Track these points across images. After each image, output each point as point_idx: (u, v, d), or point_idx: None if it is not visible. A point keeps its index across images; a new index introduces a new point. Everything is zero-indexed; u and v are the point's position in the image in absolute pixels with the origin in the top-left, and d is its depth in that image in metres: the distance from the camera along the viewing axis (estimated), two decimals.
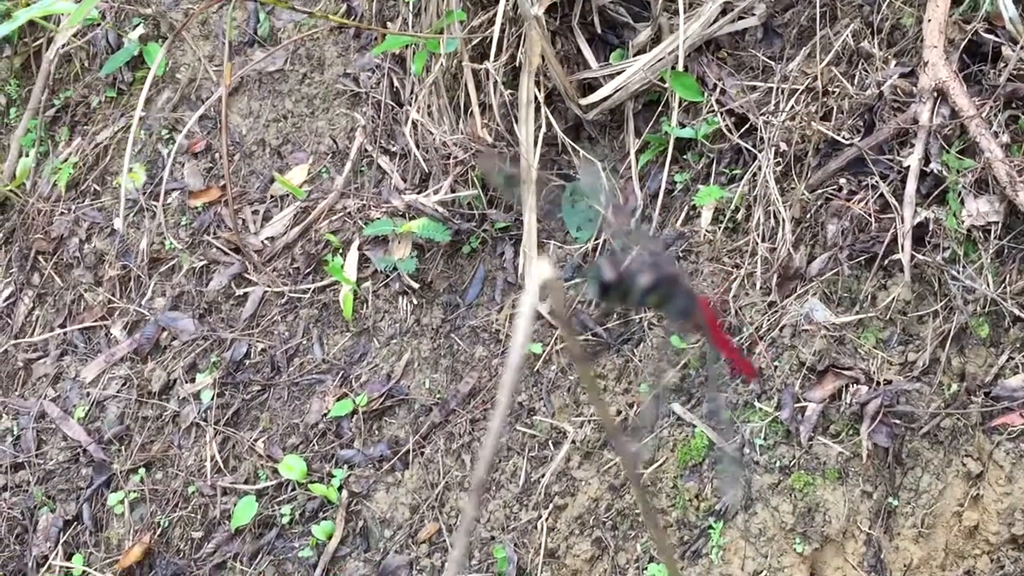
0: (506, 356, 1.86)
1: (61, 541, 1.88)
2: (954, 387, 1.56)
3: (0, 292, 2.10)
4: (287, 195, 2.07)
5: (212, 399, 1.95)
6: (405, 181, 1.98)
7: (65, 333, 2.06)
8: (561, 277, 1.87)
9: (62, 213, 2.13)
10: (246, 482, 1.87)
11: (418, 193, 1.94)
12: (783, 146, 1.70)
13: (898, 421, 1.56)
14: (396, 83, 2.04)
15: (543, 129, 1.86)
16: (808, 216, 1.67)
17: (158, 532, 1.86)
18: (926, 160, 1.61)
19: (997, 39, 1.62)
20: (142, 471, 1.92)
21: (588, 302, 0.50)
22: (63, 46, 2.17)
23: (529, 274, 0.39)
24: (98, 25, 2.20)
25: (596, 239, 1.84)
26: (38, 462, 1.97)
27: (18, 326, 2.09)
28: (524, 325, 0.37)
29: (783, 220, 1.67)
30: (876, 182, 1.63)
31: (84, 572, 1.85)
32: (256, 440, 1.91)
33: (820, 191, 1.67)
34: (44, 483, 1.94)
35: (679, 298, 0.44)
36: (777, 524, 1.58)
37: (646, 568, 1.64)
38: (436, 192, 1.91)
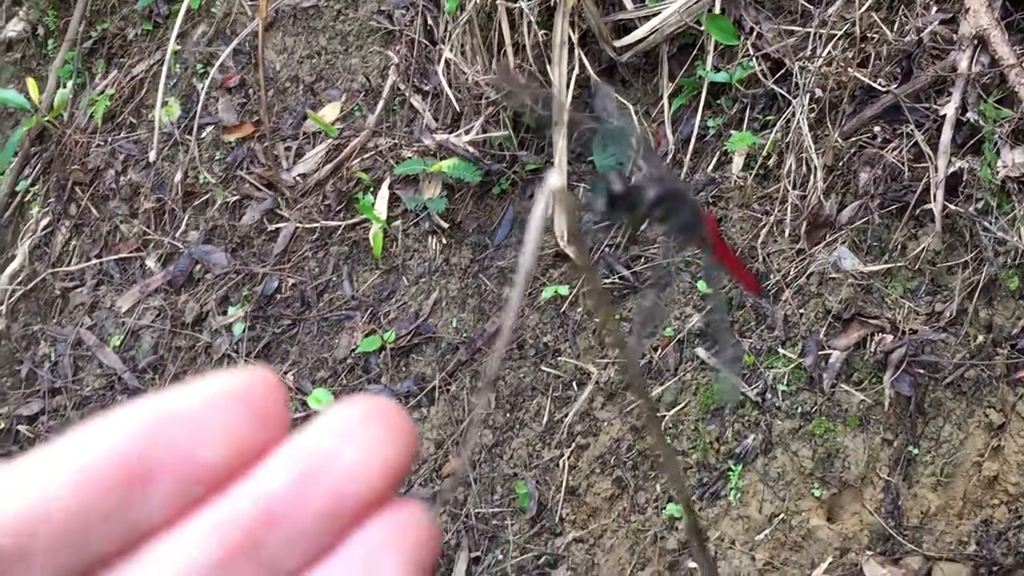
0: (533, 297, 1.88)
1: None
2: (980, 338, 1.56)
3: (39, 221, 2.14)
4: (319, 132, 2.08)
5: (243, 332, 1.99)
6: (437, 120, 1.98)
7: (101, 263, 2.10)
8: (591, 220, 1.88)
9: (98, 145, 2.16)
10: None
11: (449, 133, 1.94)
12: (818, 92, 1.68)
13: (922, 371, 1.57)
14: (430, 21, 2.03)
15: (576, 71, 1.85)
16: (840, 164, 1.66)
17: None
18: (963, 109, 1.59)
19: None
20: None
21: (595, 215, 0.51)
22: None
23: (543, 184, 0.41)
24: None
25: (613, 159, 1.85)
26: (75, 388, 2.02)
27: (56, 255, 2.14)
28: (535, 229, 0.39)
29: (815, 167, 1.66)
30: (911, 131, 1.61)
31: None
32: (286, 373, 1.95)
33: (854, 139, 1.66)
34: (80, 408, 2.00)
35: (684, 212, 0.45)
36: (796, 468, 1.60)
37: (665, 507, 1.67)
38: (467, 132, 1.91)
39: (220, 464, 0.28)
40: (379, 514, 0.29)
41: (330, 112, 2.09)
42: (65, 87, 2.16)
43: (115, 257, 2.09)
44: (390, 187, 1.99)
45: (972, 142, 1.59)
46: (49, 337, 2.08)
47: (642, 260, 1.83)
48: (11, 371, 2.09)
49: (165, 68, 1.59)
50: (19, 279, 2.12)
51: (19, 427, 2.03)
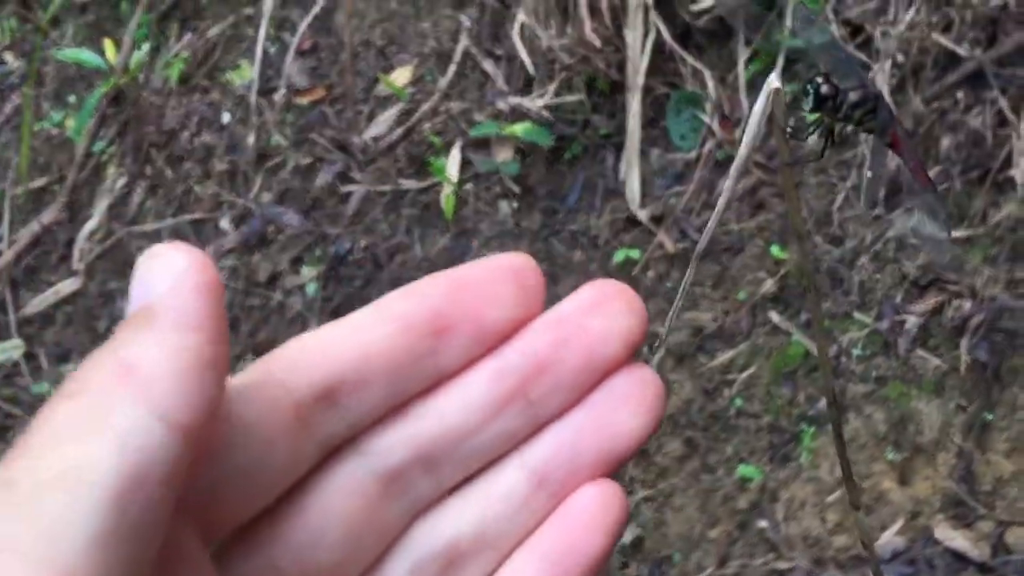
0: (604, 262, 1.90)
1: None
2: None
3: (115, 182, 2.19)
4: (391, 96, 2.10)
5: (316, 291, 2.03)
6: (509, 84, 2.00)
7: (176, 223, 2.14)
8: (663, 185, 1.89)
9: (173, 107, 2.20)
10: None
11: (522, 96, 1.96)
12: (899, 57, 1.68)
13: (1000, 337, 1.57)
14: None
15: (652, 35, 1.85)
16: (922, 129, 1.66)
17: None
18: None
19: None
20: (251, 357, 2.02)
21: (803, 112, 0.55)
22: None
23: (765, 84, 0.45)
24: None
25: (700, 148, 1.85)
26: None
27: (132, 215, 2.18)
28: (750, 134, 0.43)
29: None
30: (995, 97, 1.61)
31: None
32: None
33: (935, 104, 1.66)
34: None
35: (882, 113, 0.50)
36: (869, 432, 1.62)
37: (736, 468, 1.69)
38: (541, 96, 1.93)
39: (500, 325, 0.35)
40: (621, 373, 0.35)
41: (401, 76, 2.11)
42: (140, 49, 2.19)
43: (190, 217, 2.14)
44: (461, 150, 2.01)
45: None
46: (126, 295, 2.13)
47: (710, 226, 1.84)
48: (89, 327, 2.14)
49: (262, 31, 1.61)
50: (96, 238, 2.17)
51: None
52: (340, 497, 0.33)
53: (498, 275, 0.35)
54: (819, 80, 0.48)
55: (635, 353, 0.36)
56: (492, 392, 0.35)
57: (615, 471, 0.35)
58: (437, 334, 0.34)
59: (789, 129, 0.46)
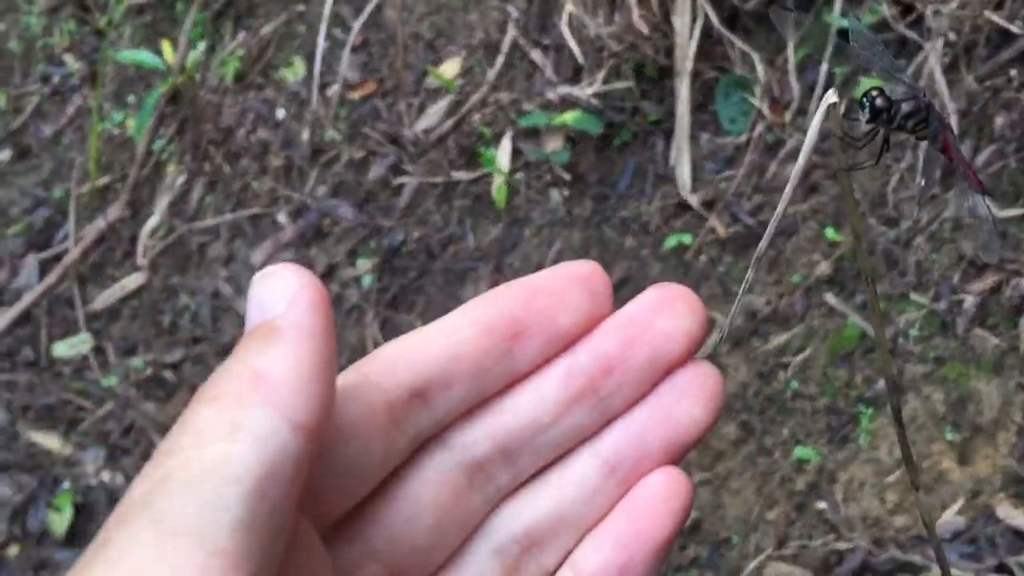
0: (656, 247, 1.91)
1: None
2: None
3: (175, 179, 2.25)
4: (440, 88, 2.13)
5: (372, 283, 2.07)
6: (557, 74, 2.02)
7: (235, 218, 2.20)
8: (713, 169, 1.90)
9: (229, 105, 2.25)
10: None
11: (571, 85, 1.97)
12: (951, 36, 1.67)
13: None
14: None
15: (700, 20, 1.86)
16: (975, 108, 1.65)
17: None
18: None
19: None
20: None
21: (854, 124, 0.57)
22: None
23: (820, 100, 0.48)
24: None
25: (750, 131, 1.86)
26: (214, 336, 2.14)
27: (192, 211, 2.24)
28: (809, 144, 0.46)
29: (949, 112, 1.65)
30: None
31: None
32: (414, 322, 2.03)
33: (989, 83, 1.65)
34: (221, 356, 2.11)
35: (933, 123, 0.52)
36: (928, 412, 1.62)
37: (792, 451, 1.70)
38: (590, 84, 1.94)
39: (571, 328, 0.38)
40: (683, 369, 0.38)
41: (450, 68, 2.14)
42: (196, 49, 2.25)
43: (248, 213, 2.19)
44: (512, 140, 2.03)
45: None
46: (188, 289, 2.20)
47: (765, 209, 1.84)
48: (154, 321, 2.21)
49: (323, 28, 1.65)
50: (159, 234, 2.23)
51: (164, 373, 2.16)
52: (429, 487, 0.37)
53: (569, 282, 0.38)
54: (874, 93, 0.51)
55: (696, 351, 0.39)
56: (564, 389, 0.38)
57: (680, 459, 0.38)
58: (515, 337, 0.37)
59: (846, 137, 0.49)
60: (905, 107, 0.52)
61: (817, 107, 0.49)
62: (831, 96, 0.47)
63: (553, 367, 0.38)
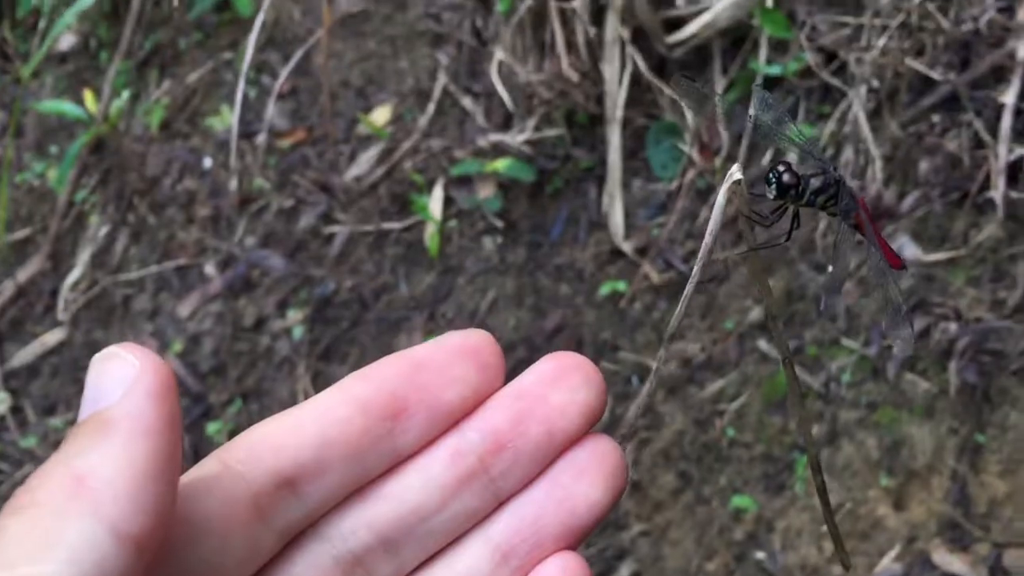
0: (590, 295, 1.89)
1: None
2: None
3: (98, 231, 2.18)
4: (372, 135, 2.10)
5: (303, 334, 2.02)
6: (488, 121, 2.00)
7: (160, 270, 2.14)
8: (646, 215, 1.89)
9: (155, 154, 2.20)
10: None
11: (502, 132, 1.96)
12: (874, 83, 1.69)
13: (987, 359, 1.57)
14: (478, 22, 2.06)
15: (628, 68, 1.86)
16: (900, 154, 1.66)
17: None
18: (1022, 96, 1.59)
19: None
20: (238, 402, 2.00)
21: (762, 202, 0.56)
22: None
23: (726, 176, 0.46)
24: None
25: (681, 178, 1.86)
26: None
27: (116, 263, 2.17)
28: (714, 223, 0.43)
29: (874, 158, 1.67)
30: (970, 119, 1.62)
31: None
32: (346, 374, 1.98)
33: (912, 128, 1.67)
34: None
35: (844, 198, 0.50)
36: (863, 458, 1.61)
37: (730, 499, 1.68)
38: (521, 132, 1.93)
39: (458, 403, 0.35)
40: (581, 446, 0.35)
41: (381, 115, 2.12)
42: (120, 98, 2.19)
43: (174, 264, 2.13)
44: (444, 188, 2.01)
45: None
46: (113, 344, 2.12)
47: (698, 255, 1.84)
48: (75, 378, 2.13)
49: (243, 78, 1.62)
50: (80, 288, 2.16)
51: None
52: None
53: (455, 354, 0.35)
54: (781, 168, 0.49)
55: (593, 425, 0.36)
56: (452, 471, 0.35)
57: (578, 543, 0.36)
58: (395, 416, 0.34)
59: (753, 216, 0.46)
60: (814, 182, 0.50)
61: (737, 169, 0.47)
62: (735, 173, 0.45)
63: (439, 447, 0.35)
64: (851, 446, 1.62)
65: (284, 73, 2.01)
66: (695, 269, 0.41)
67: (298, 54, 1.99)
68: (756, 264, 0.44)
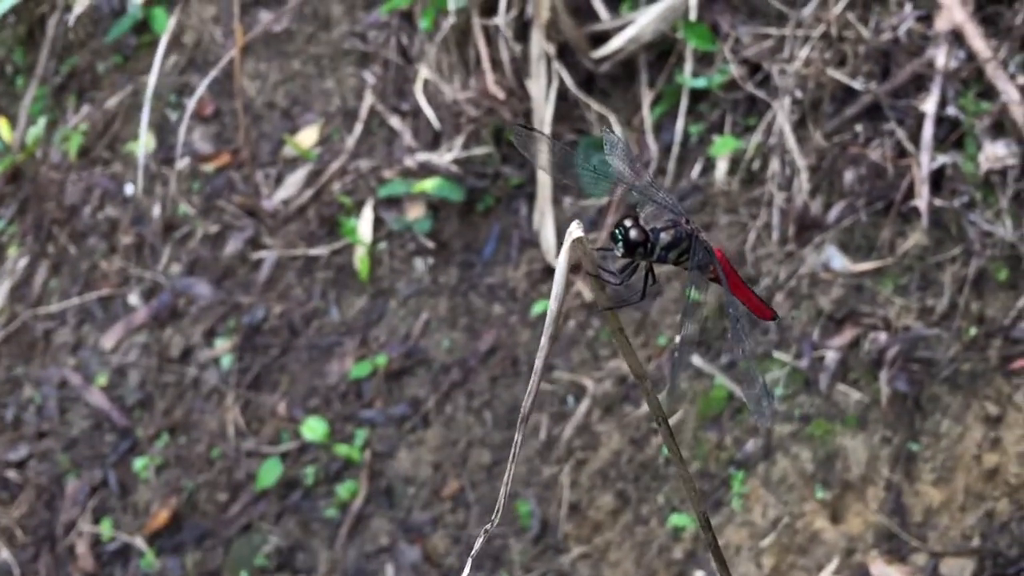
0: (524, 314, 1.86)
1: (89, 507, 1.91)
2: (973, 331, 1.56)
3: (16, 262, 2.10)
4: (299, 157, 2.06)
5: (232, 363, 1.96)
6: (417, 140, 1.97)
7: (82, 302, 2.07)
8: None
9: (74, 182, 2.13)
10: (269, 444, 1.89)
11: (431, 152, 1.93)
12: (798, 94, 1.69)
13: (917, 367, 1.57)
14: (404, 40, 2.02)
15: (555, 83, 1.84)
16: (825, 164, 1.66)
17: (184, 495, 1.89)
18: (943, 104, 1.60)
19: None
20: (166, 436, 1.94)
21: (612, 259, 0.54)
22: (67, 12, 2.15)
23: (567, 234, 0.42)
24: None
25: (611, 194, 1.84)
26: (62, 430, 1.99)
27: (36, 296, 2.10)
28: (558, 287, 0.39)
29: (799, 169, 1.66)
30: (892, 128, 1.62)
31: (113, 536, 1.88)
32: (277, 403, 1.93)
33: (836, 139, 1.67)
34: (69, 450, 1.96)
35: (698, 252, 0.47)
36: (798, 471, 1.60)
37: (668, 518, 1.66)
38: (449, 150, 1.90)
39: None
40: None
41: (308, 136, 2.07)
42: (37, 124, 2.12)
43: (96, 295, 2.06)
44: (373, 209, 1.97)
45: (954, 137, 1.59)
46: (33, 380, 2.05)
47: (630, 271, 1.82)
48: None
49: (147, 102, 1.57)
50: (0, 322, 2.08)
51: (7, 473, 1.99)
52: None
53: None
54: (627, 224, 0.46)
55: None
56: None
57: None
58: None
59: (603, 275, 0.43)
60: (664, 237, 0.47)
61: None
62: (575, 230, 0.42)
63: None
64: (786, 460, 1.60)
65: (197, 94, 1.96)
66: (543, 340, 0.38)
67: (211, 73, 1.94)
68: (614, 323, 0.41)
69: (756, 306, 0.52)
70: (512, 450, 0.38)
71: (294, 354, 1.97)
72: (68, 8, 2.16)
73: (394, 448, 1.84)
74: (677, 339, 0.48)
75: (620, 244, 0.44)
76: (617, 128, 1.85)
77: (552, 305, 0.37)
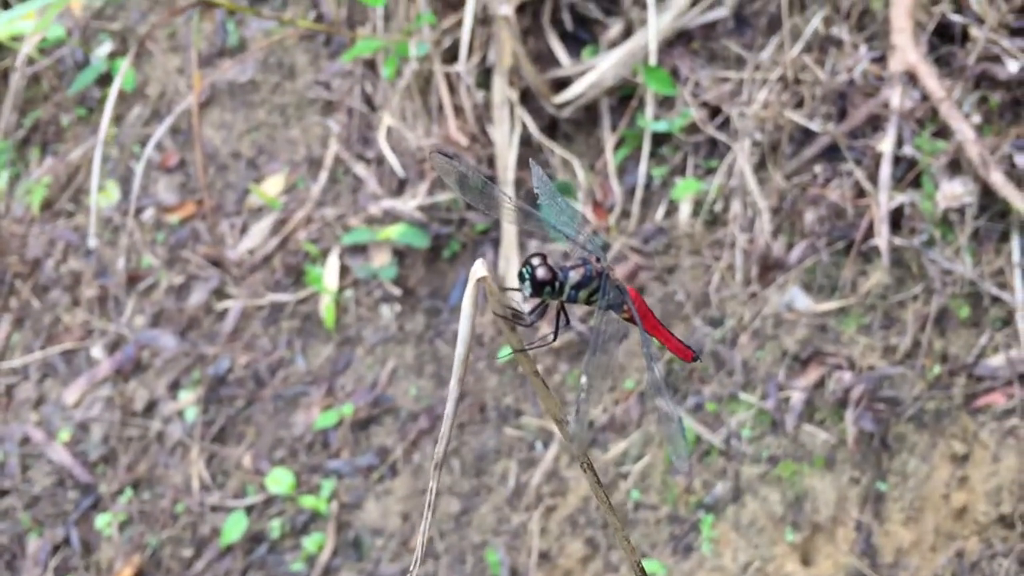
0: (491, 360, 1.85)
1: (51, 566, 1.87)
2: (937, 369, 1.56)
3: None
4: (264, 206, 2.05)
5: (196, 416, 1.93)
6: (381, 187, 1.97)
7: (45, 356, 2.04)
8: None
9: (37, 235, 2.11)
10: (234, 498, 1.86)
11: (395, 199, 1.93)
12: (758, 136, 1.70)
13: (883, 406, 1.57)
14: (368, 88, 2.03)
15: (518, 129, 1.85)
16: (785, 205, 1.67)
17: (148, 552, 1.85)
18: (899, 144, 1.61)
19: (965, 19, 1.62)
20: (129, 492, 1.90)
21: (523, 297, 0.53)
22: (30, 65, 2.14)
23: (471, 274, 0.41)
24: (65, 44, 2.18)
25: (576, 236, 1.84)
26: (24, 487, 1.95)
27: None
28: (464, 331, 0.39)
29: (761, 210, 1.67)
30: (851, 168, 1.63)
31: None
32: (242, 455, 1.90)
33: (796, 179, 1.68)
34: (31, 508, 1.92)
35: (609, 292, 0.46)
36: (767, 514, 1.58)
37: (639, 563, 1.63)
38: (413, 197, 1.90)
39: None
40: None
41: (273, 185, 2.07)
42: None
43: (59, 348, 2.03)
44: (339, 257, 1.96)
45: (911, 176, 1.61)
46: None
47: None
48: None
49: (98, 152, 1.56)
50: None
51: None
52: None
53: None
54: (535, 263, 0.45)
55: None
56: None
57: None
58: None
59: (511, 315, 0.42)
60: (573, 276, 0.46)
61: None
62: (479, 269, 0.41)
63: None
64: (755, 502, 1.59)
65: (152, 142, 1.95)
66: (452, 384, 0.37)
67: (167, 121, 1.94)
68: (528, 365, 0.40)
69: (676, 347, 0.51)
70: (427, 497, 0.37)
71: (259, 405, 1.94)
72: (31, 61, 2.16)
73: (361, 498, 1.81)
74: (583, 385, 0.47)
75: (527, 283, 0.43)
76: (580, 172, 1.85)
77: (459, 348, 0.37)
